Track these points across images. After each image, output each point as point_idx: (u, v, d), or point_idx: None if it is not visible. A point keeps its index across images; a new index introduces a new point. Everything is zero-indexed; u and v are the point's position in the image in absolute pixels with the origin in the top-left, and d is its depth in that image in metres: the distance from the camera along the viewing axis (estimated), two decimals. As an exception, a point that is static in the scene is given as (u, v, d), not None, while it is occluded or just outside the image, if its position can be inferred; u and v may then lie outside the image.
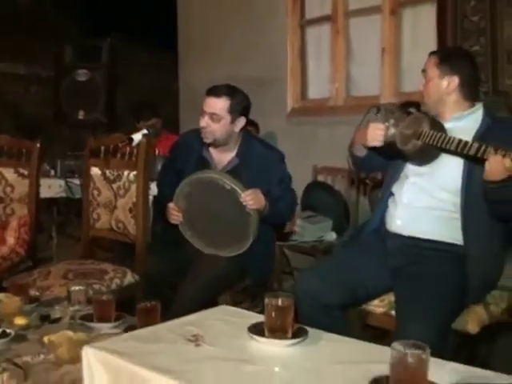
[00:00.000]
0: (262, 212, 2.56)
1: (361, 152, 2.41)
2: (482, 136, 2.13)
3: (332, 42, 4.49)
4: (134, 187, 2.81)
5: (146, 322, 1.77)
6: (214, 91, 2.65)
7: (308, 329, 1.53)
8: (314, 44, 4.74)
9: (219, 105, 2.61)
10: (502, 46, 3.49)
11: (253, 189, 2.52)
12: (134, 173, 2.80)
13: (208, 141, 2.67)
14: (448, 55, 2.30)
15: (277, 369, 1.34)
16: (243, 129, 2.74)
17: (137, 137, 2.76)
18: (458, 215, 2.18)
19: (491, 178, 1.95)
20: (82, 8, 5.79)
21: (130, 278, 2.70)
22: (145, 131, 2.81)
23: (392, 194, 2.38)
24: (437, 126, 2.18)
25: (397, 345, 1.17)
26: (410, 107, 2.44)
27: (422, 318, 1.94)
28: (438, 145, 2.10)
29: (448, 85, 2.22)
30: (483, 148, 1.95)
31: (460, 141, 2.04)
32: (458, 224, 2.17)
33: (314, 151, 4.40)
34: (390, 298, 2.22)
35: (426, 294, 2.04)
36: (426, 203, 2.23)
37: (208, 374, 1.31)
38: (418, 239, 2.22)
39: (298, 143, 4.48)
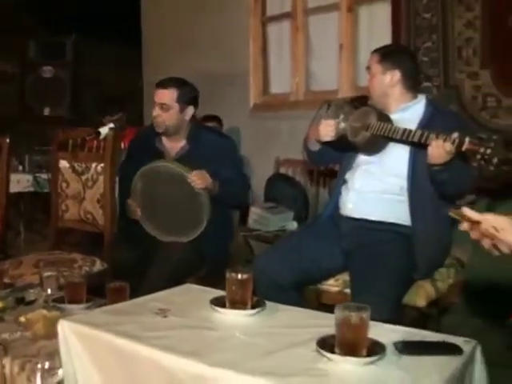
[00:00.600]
0: (212, 191, 2.69)
1: (314, 146, 2.57)
2: (425, 125, 2.31)
3: (292, 38, 4.65)
4: (101, 179, 2.93)
5: (116, 301, 1.89)
6: (163, 83, 2.84)
7: (266, 302, 1.68)
8: (276, 40, 4.89)
9: (168, 95, 2.79)
10: (453, 42, 3.67)
11: (198, 170, 2.66)
12: (102, 165, 2.92)
13: (160, 130, 2.83)
14: (388, 52, 2.47)
15: (237, 333, 1.48)
16: (193, 118, 2.90)
17: (104, 130, 2.87)
18: (405, 198, 2.35)
19: (434, 161, 2.12)
20: (47, 5, 5.82)
21: (98, 265, 2.80)
22: (111, 125, 2.93)
23: (345, 181, 2.54)
24: (383, 117, 2.35)
25: (340, 307, 1.32)
26: (360, 101, 2.61)
27: (375, 293, 2.10)
28: (385, 134, 2.28)
29: (391, 79, 2.39)
30: (425, 134, 2.13)
31: (405, 129, 2.21)
32: (406, 206, 2.35)
33: (276, 144, 4.55)
34: (345, 277, 2.38)
35: (377, 271, 2.20)
36: (375, 188, 2.40)
37: (174, 340, 1.44)
38: (368, 221, 2.39)
39: (261, 137, 4.63)
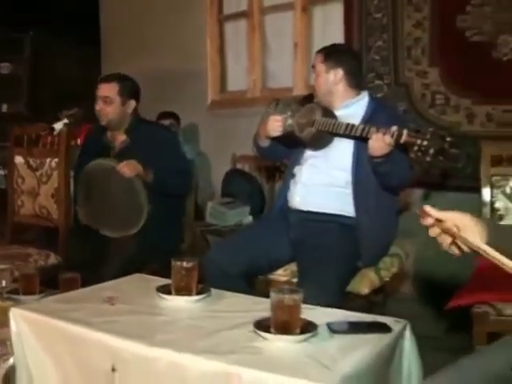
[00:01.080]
0: (145, 178, 2.77)
1: (264, 143, 2.67)
2: (367, 120, 2.42)
3: (248, 37, 4.73)
4: (55, 174, 2.97)
5: (68, 291, 1.94)
6: (105, 78, 2.99)
7: (211, 289, 1.76)
8: (232, 39, 4.97)
9: (110, 89, 2.90)
10: (402, 41, 3.78)
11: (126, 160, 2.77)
12: (56, 160, 2.97)
13: (103, 123, 2.93)
14: (331, 51, 2.57)
15: (181, 318, 1.56)
16: (134, 112, 3.00)
17: (58, 126, 2.92)
18: (349, 191, 2.45)
19: (375, 154, 2.23)
20: (4, 1, 5.77)
21: (53, 259, 2.84)
22: (66, 121, 2.98)
23: (294, 175, 2.64)
24: (328, 114, 2.46)
25: (275, 290, 1.40)
26: (309, 100, 2.71)
27: (319, 281, 2.19)
28: (329, 130, 2.38)
29: (334, 77, 2.50)
30: (367, 128, 2.24)
31: (347, 124, 2.32)
32: (350, 198, 2.45)
33: (234, 141, 4.61)
34: (293, 267, 2.47)
35: (321, 260, 2.29)
36: (321, 181, 2.50)
37: (121, 324, 1.51)
38: (315, 213, 2.49)
39: (219, 134, 4.71)
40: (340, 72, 2.50)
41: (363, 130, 2.25)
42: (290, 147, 2.66)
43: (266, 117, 2.66)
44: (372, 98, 2.57)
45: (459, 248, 1.34)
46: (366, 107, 2.51)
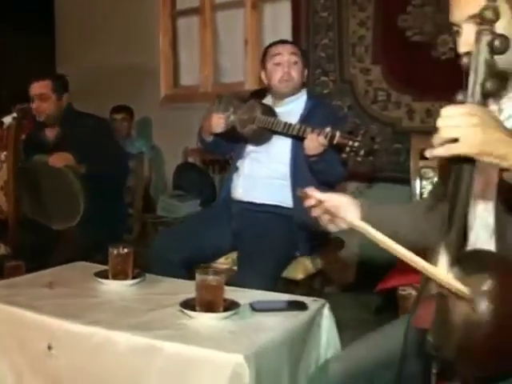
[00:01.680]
0: (78, 169, 2.89)
1: (208, 138, 2.78)
2: (305, 117, 2.56)
3: (200, 33, 4.82)
4: (5, 167, 3.02)
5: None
6: (36, 78, 3.09)
7: (146, 274, 1.87)
8: (185, 34, 5.05)
9: (43, 86, 3.04)
10: (348, 40, 3.93)
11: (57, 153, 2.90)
12: (5, 153, 3.02)
13: (41, 119, 3.06)
14: (302, 50, 2.76)
15: (115, 299, 1.66)
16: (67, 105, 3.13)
17: (7, 120, 3.00)
18: (288, 183, 2.58)
19: (310, 153, 2.36)
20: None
21: (2, 250, 2.90)
22: (14, 114, 3.05)
23: (237, 168, 2.76)
24: (268, 111, 2.59)
25: (200, 271, 1.52)
26: (258, 95, 2.84)
27: (258, 268, 2.31)
28: (269, 127, 2.52)
29: (304, 74, 2.67)
30: (303, 128, 2.38)
31: (285, 123, 2.46)
32: (289, 190, 2.58)
33: (186, 135, 4.69)
34: (234, 255, 2.59)
35: (261, 248, 2.41)
36: (262, 174, 2.63)
37: (58, 306, 1.61)
38: (255, 204, 2.61)
39: (172, 128, 4.78)
40: (305, 72, 2.69)
41: (299, 129, 2.39)
42: (233, 142, 2.78)
43: (210, 113, 2.78)
44: (310, 96, 2.71)
45: (337, 225, 1.48)
46: (305, 104, 2.65)
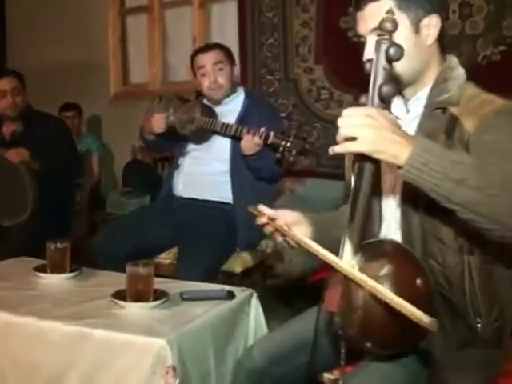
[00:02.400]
0: (32, 165, 2.95)
1: (149, 136, 2.85)
2: (243, 116, 2.65)
3: (149, 30, 4.87)
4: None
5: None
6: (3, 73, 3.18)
7: (84, 268, 1.93)
8: (134, 32, 5.09)
9: (13, 81, 3.10)
10: (292, 40, 4.04)
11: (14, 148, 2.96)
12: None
13: (14, 114, 3.10)
14: (228, 49, 2.80)
15: (52, 292, 1.73)
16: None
17: None
18: (227, 179, 2.67)
19: (246, 153, 2.46)
20: None
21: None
22: None
23: (178, 166, 2.83)
24: (207, 111, 2.68)
25: (130, 263, 1.60)
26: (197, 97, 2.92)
27: (197, 261, 2.40)
28: (207, 127, 2.61)
29: (233, 73, 2.76)
30: (239, 129, 2.48)
31: (223, 124, 2.56)
32: (228, 186, 2.67)
33: (136, 133, 4.73)
34: (175, 250, 2.67)
35: (201, 243, 2.50)
36: (202, 171, 2.72)
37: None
38: (196, 200, 2.70)
39: (121, 125, 4.82)
40: (234, 69, 2.77)
41: (236, 130, 2.49)
42: (174, 141, 2.85)
43: (150, 112, 2.84)
44: (247, 94, 2.80)
45: (289, 243, 1.47)
46: (242, 104, 2.74)
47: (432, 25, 1.40)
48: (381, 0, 1.37)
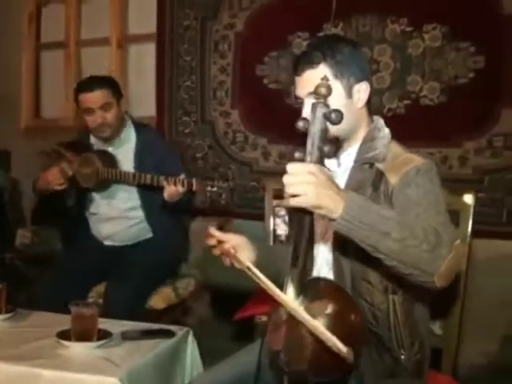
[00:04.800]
0: None
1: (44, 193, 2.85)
2: (140, 151, 2.72)
3: (65, 66, 4.85)
4: None
5: None
6: None
7: (17, 309, 1.94)
8: (49, 67, 5.04)
9: None
10: (209, 84, 4.16)
11: None
12: None
13: None
14: (115, 85, 2.87)
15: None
16: None
17: None
18: (142, 217, 2.77)
19: (170, 200, 2.52)
20: None
21: None
22: None
23: (91, 213, 2.89)
24: (106, 159, 2.67)
25: (74, 303, 1.65)
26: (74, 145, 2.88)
27: (122, 300, 2.45)
28: (117, 179, 2.61)
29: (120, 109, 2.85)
30: (155, 178, 2.49)
31: (135, 174, 2.57)
32: (145, 224, 2.75)
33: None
34: (98, 289, 2.70)
35: (126, 280, 2.55)
36: (120, 222, 2.79)
37: None
38: (121, 247, 2.76)
39: (32, 160, 4.71)
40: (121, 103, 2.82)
41: (152, 179, 2.48)
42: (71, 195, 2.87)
43: (45, 167, 2.79)
44: (135, 125, 2.87)
45: (235, 266, 1.57)
46: (136, 139, 2.79)
47: (362, 90, 1.59)
48: (317, 67, 1.54)
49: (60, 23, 4.86)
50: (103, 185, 2.67)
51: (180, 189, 2.42)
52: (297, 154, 1.31)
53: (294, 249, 1.33)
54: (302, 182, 1.23)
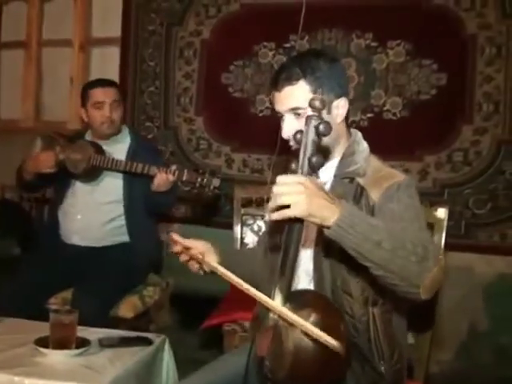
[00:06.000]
0: None
1: (29, 176, 2.80)
2: (133, 153, 2.75)
3: (24, 67, 4.76)
4: None
5: None
6: None
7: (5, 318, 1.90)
8: (9, 67, 4.93)
9: None
10: (173, 90, 4.15)
11: None
12: None
13: None
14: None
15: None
16: None
17: None
18: (123, 220, 2.73)
19: (160, 189, 2.55)
20: None
21: None
22: None
23: (65, 209, 2.83)
24: (99, 148, 2.74)
25: (53, 310, 1.63)
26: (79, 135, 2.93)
27: (91, 305, 2.38)
28: (108, 166, 2.65)
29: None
30: (147, 167, 2.56)
31: (127, 162, 2.62)
32: (124, 228, 2.73)
33: (5, 170, 4.56)
34: (63, 295, 2.66)
35: (97, 286, 2.51)
36: (97, 216, 2.74)
37: None
38: (94, 248, 2.71)
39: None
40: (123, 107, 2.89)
41: (143, 167, 2.56)
42: (55, 181, 2.85)
43: (35, 152, 2.80)
44: (131, 132, 2.97)
45: (204, 270, 1.64)
46: (130, 142, 2.87)
47: (341, 106, 1.63)
48: (296, 84, 1.57)
49: (21, 22, 4.77)
50: (91, 173, 2.70)
51: (170, 177, 2.46)
52: (293, 166, 1.34)
53: (283, 258, 1.35)
54: (293, 192, 1.25)
